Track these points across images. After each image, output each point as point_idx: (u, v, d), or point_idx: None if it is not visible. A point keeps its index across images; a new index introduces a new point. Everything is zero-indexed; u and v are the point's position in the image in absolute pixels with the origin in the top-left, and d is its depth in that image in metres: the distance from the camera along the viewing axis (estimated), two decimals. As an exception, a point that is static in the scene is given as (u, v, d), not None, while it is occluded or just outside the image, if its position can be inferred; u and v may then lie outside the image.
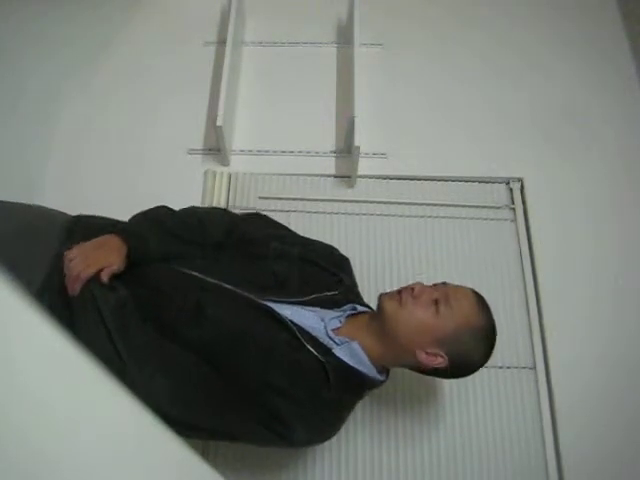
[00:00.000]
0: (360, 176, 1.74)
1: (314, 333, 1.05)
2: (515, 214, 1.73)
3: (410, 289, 1.06)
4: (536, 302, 1.60)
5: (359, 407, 1.45)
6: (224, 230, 1.16)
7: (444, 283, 1.10)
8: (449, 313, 1.03)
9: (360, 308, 1.15)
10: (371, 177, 1.76)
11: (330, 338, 1.07)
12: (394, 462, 1.43)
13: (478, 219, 1.71)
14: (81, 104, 1.84)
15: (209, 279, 1.06)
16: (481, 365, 1.10)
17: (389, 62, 1.97)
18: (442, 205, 1.72)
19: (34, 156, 1.76)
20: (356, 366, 1.06)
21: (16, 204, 1.21)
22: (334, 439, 1.38)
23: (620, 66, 1.98)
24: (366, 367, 1.07)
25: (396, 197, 1.73)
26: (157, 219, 1.10)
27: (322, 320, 1.09)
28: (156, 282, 1.07)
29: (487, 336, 1.08)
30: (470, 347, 1.06)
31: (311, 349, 1.02)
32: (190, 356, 1.01)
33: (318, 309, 1.11)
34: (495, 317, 1.55)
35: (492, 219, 1.72)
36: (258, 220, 1.26)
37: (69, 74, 1.89)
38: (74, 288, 0.99)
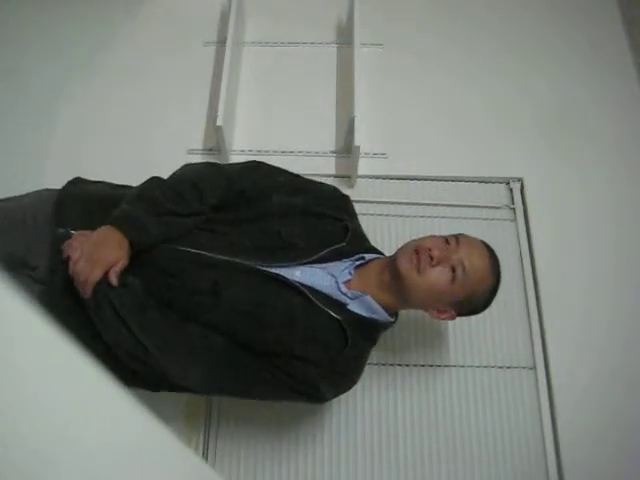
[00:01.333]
0: (360, 176, 1.74)
1: (326, 291, 1.07)
2: (515, 214, 1.73)
3: (428, 255, 1.05)
4: (536, 302, 1.60)
5: (359, 407, 1.46)
6: (221, 193, 1.12)
7: (456, 237, 1.10)
8: (465, 280, 1.06)
9: (368, 256, 1.15)
10: (371, 177, 1.76)
11: (343, 294, 1.09)
12: (394, 462, 1.43)
13: (478, 219, 1.71)
14: (81, 104, 1.84)
15: (218, 256, 1.05)
16: (485, 309, 1.17)
17: (389, 62, 1.97)
18: (442, 205, 1.72)
19: (34, 155, 1.76)
20: (370, 316, 1.10)
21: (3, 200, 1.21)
22: (334, 453, 1.39)
23: (620, 66, 1.98)
24: (380, 315, 1.11)
25: (396, 197, 1.73)
26: (152, 199, 1.06)
27: (333, 276, 1.10)
28: (166, 266, 1.05)
29: (494, 290, 1.13)
30: (478, 301, 1.13)
31: (326, 309, 1.04)
32: (214, 336, 1.02)
33: (327, 264, 1.11)
34: (495, 317, 1.57)
35: (492, 219, 1.72)
36: (255, 171, 1.20)
37: (69, 74, 1.89)
38: (85, 292, 0.98)
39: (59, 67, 1.90)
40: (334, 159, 1.78)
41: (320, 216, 1.15)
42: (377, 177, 1.76)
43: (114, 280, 0.98)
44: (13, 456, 0.27)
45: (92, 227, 1.04)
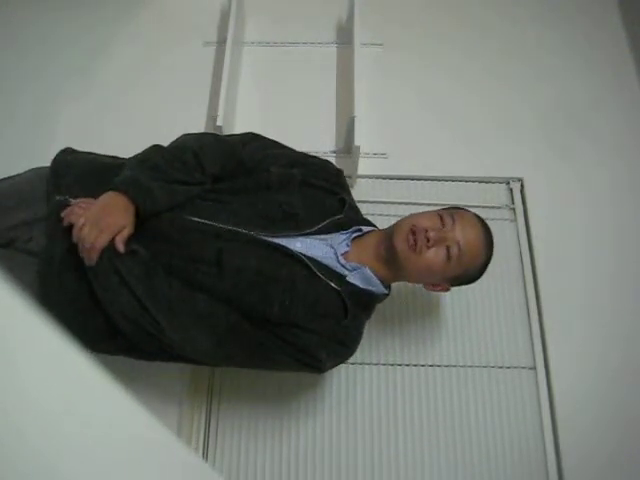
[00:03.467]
0: (360, 176, 1.74)
1: (326, 262, 1.10)
2: (515, 214, 1.73)
3: (424, 235, 1.08)
4: (536, 302, 1.60)
5: (359, 408, 1.46)
6: (221, 162, 1.13)
7: (452, 215, 1.12)
8: (460, 259, 1.10)
9: (365, 228, 1.19)
10: (371, 177, 1.76)
11: (342, 265, 1.11)
12: (394, 461, 1.43)
13: (478, 219, 1.71)
14: (81, 104, 1.84)
15: (222, 225, 1.05)
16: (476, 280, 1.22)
17: (389, 62, 1.97)
18: (442, 205, 1.71)
19: (34, 156, 1.75)
20: (368, 288, 1.13)
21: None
22: (334, 453, 1.39)
23: (620, 66, 1.98)
24: (376, 287, 1.15)
25: (396, 197, 1.73)
26: (156, 166, 1.06)
27: (331, 247, 1.12)
28: (171, 236, 1.05)
29: (487, 263, 1.17)
30: (473, 275, 1.18)
31: (326, 280, 1.07)
32: (219, 305, 1.04)
33: (326, 236, 1.13)
34: (495, 317, 1.57)
35: (492, 219, 1.71)
36: (253, 141, 1.22)
37: (69, 74, 1.89)
38: (91, 258, 0.97)
39: (59, 68, 1.90)
40: (334, 159, 1.78)
41: (317, 188, 1.17)
42: (377, 177, 1.76)
43: (121, 247, 0.97)
44: (13, 456, 0.27)
45: (91, 194, 1.03)
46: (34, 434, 0.28)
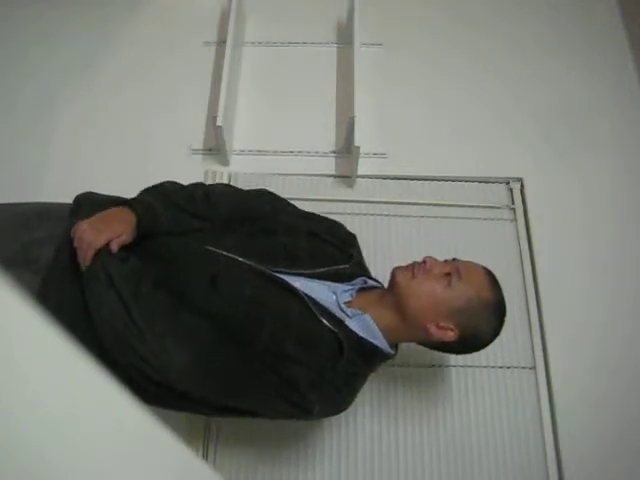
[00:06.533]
0: (360, 176, 1.74)
1: (326, 305, 1.06)
2: (515, 214, 1.73)
3: (422, 263, 1.08)
4: (536, 302, 1.60)
5: (359, 408, 1.46)
6: (231, 206, 1.15)
7: (454, 259, 1.11)
8: (461, 285, 1.05)
9: (370, 282, 1.16)
10: (371, 177, 1.76)
11: (342, 310, 1.08)
12: (394, 461, 1.43)
13: (478, 219, 1.72)
14: (81, 104, 1.84)
15: (222, 252, 1.06)
16: (490, 341, 1.12)
17: (389, 62, 1.97)
18: (442, 205, 1.72)
19: (34, 155, 1.76)
20: (368, 338, 1.07)
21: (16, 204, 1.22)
22: (334, 453, 1.39)
23: (620, 66, 1.98)
24: (378, 339, 1.08)
25: (396, 197, 1.73)
26: (165, 192, 1.10)
27: (334, 293, 1.10)
28: (168, 254, 1.07)
29: (498, 310, 1.09)
30: (481, 321, 1.08)
31: (324, 321, 1.03)
32: (205, 326, 1.00)
33: (329, 282, 1.11)
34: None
35: (492, 219, 1.72)
36: (265, 195, 1.24)
37: (70, 74, 1.89)
38: (85, 257, 0.98)
39: (59, 67, 1.90)
40: (334, 159, 1.78)
41: (325, 241, 1.16)
42: (377, 177, 1.76)
43: (114, 247, 1.00)
44: (13, 455, 0.27)
45: None
46: (34, 434, 0.28)
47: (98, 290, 0.99)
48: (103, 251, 0.99)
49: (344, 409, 1.10)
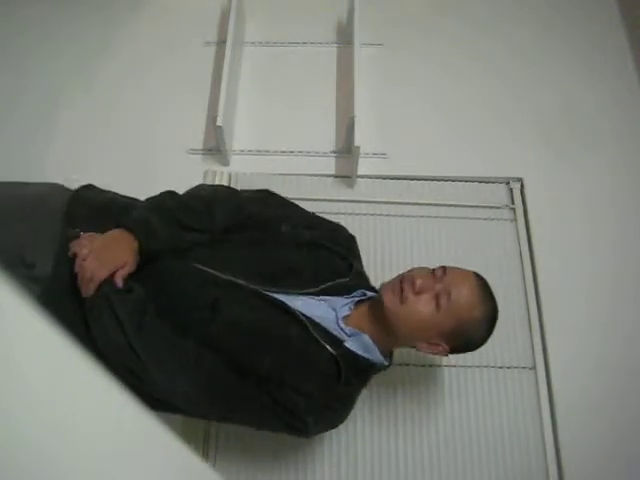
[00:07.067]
0: (360, 176, 1.74)
1: (325, 324, 1.06)
2: (515, 214, 1.73)
3: (412, 284, 1.04)
4: (536, 302, 1.60)
5: (358, 410, 1.46)
6: (232, 215, 1.13)
7: (444, 268, 1.07)
8: (450, 308, 1.03)
9: (369, 294, 1.15)
10: (371, 177, 1.76)
11: (341, 329, 1.08)
12: (394, 462, 1.43)
13: (478, 219, 1.71)
14: (81, 104, 1.84)
15: (222, 276, 1.05)
16: (481, 346, 1.12)
17: (389, 62, 1.97)
18: (442, 205, 1.72)
19: (35, 155, 1.76)
20: (366, 356, 1.08)
21: (9, 184, 1.19)
22: (334, 453, 1.39)
23: (620, 66, 1.98)
24: (374, 356, 1.10)
25: (396, 197, 1.73)
26: (164, 209, 1.07)
27: (333, 310, 1.10)
28: (170, 279, 1.06)
29: (488, 323, 1.09)
30: (471, 335, 1.08)
31: (323, 342, 1.03)
32: (207, 355, 1.01)
33: (329, 297, 1.11)
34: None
35: (492, 219, 1.72)
36: (267, 199, 1.22)
37: (70, 74, 1.89)
38: (88, 289, 0.98)
39: (59, 68, 1.90)
40: (334, 159, 1.78)
41: (327, 249, 1.15)
42: (377, 177, 1.76)
43: (119, 282, 0.98)
44: (13, 455, 0.27)
45: (100, 232, 1.05)
46: (35, 434, 0.28)
47: (101, 321, 0.99)
48: (106, 283, 0.98)
49: (340, 423, 1.12)
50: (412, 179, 1.77)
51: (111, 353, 0.99)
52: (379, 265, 1.63)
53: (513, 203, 1.74)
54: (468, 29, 2.02)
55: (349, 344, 1.07)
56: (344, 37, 2.00)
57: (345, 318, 1.10)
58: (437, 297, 1.03)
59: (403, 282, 1.05)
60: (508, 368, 1.53)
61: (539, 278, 1.62)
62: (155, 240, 1.04)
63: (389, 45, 2.00)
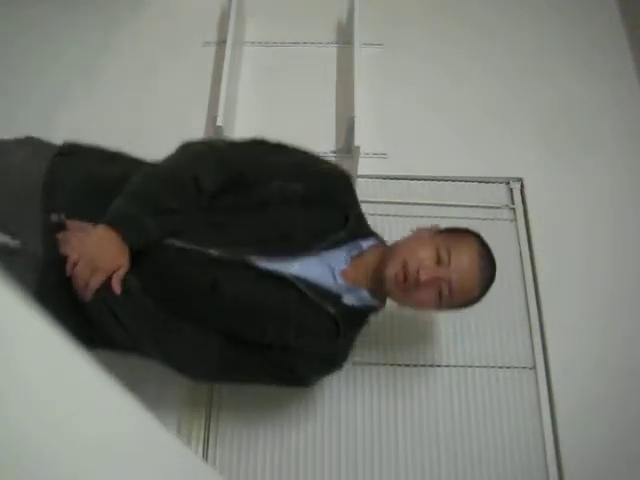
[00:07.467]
0: (360, 176, 1.74)
1: (322, 282, 1.09)
2: (515, 214, 1.73)
3: (415, 277, 1.04)
4: (536, 302, 1.60)
5: (358, 409, 1.46)
6: (220, 179, 1.09)
7: (451, 251, 1.07)
8: (451, 298, 1.08)
9: (365, 245, 1.15)
10: (371, 177, 1.76)
11: (339, 285, 1.11)
12: (394, 461, 1.43)
13: (478, 219, 1.71)
14: (82, 104, 1.84)
15: (217, 253, 1.04)
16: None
17: (389, 62, 1.97)
18: (442, 205, 1.72)
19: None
20: (363, 306, 1.14)
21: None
22: (334, 453, 1.39)
23: (620, 66, 1.98)
24: (372, 303, 1.15)
25: (396, 197, 1.73)
26: (150, 196, 1.04)
27: (329, 267, 1.11)
28: (165, 264, 1.05)
29: (486, 290, 1.14)
30: (467, 305, 1.16)
31: (321, 303, 1.07)
32: (210, 335, 1.06)
33: (326, 253, 1.11)
34: (495, 317, 1.57)
35: (492, 219, 1.72)
36: (256, 151, 1.16)
37: (71, 74, 1.89)
38: (85, 296, 0.98)
39: (59, 68, 1.90)
40: (334, 159, 1.78)
41: (320, 203, 1.12)
42: (377, 177, 1.76)
43: (117, 289, 0.98)
44: (13, 455, 0.27)
45: (84, 212, 1.03)
46: (35, 435, 0.28)
47: (102, 321, 1.01)
48: (103, 288, 0.97)
49: (340, 369, 1.19)
50: (412, 179, 1.76)
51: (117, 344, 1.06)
52: (379, 265, 1.63)
53: (513, 203, 1.74)
54: (468, 29, 2.02)
55: (347, 299, 1.11)
56: (344, 37, 2.00)
57: (342, 272, 1.11)
58: (440, 287, 1.06)
59: (407, 267, 1.05)
60: (508, 368, 1.53)
61: (539, 278, 1.62)
62: (144, 235, 1.02)
63: (389, 45, 2.00)
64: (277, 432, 1.44)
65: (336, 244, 1.12)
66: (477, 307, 1.57)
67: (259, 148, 1.17)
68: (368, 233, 1.19)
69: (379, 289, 1.13)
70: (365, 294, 1.12)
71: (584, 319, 1.58)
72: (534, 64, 1.96)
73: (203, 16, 2.03)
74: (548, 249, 1.66)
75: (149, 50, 1.96)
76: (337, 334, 1.09)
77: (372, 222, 1.67)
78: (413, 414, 1.47)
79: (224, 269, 1.04)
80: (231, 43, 1.78)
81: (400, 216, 1.71)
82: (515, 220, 1.72)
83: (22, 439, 0.28)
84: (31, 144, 1.18)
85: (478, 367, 1.52)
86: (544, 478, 1.43)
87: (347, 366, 1.48)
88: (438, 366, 1.52)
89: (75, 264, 0.96)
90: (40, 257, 1.06)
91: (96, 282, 0.96)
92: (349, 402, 1.47)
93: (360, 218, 1.21)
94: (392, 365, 1.51)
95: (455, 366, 1.52)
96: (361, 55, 1.80)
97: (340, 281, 1.10)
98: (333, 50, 2.00)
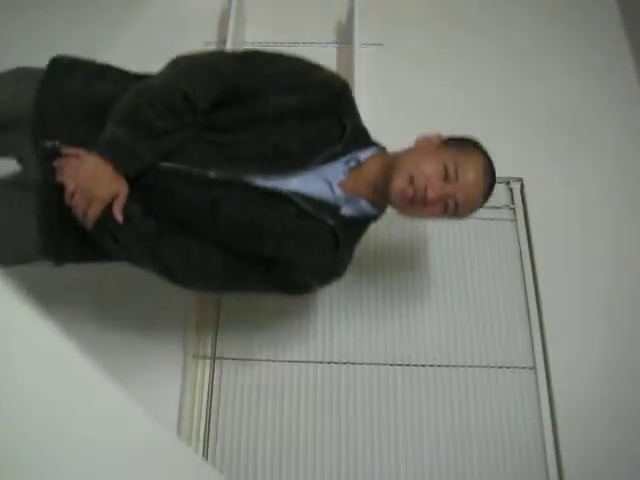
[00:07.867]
0: (360, 176, 1.74)
1: (321, 195, 1.09)
2: (515, 214, 1.73)
3: (423, 194, 1.04)
4: (536, 302, 1.60)
5: (359, 408, 1.46)
6: (214, 96, 1.06)
7: (458, 168, 1.06)
8: (456, 211, 1.09)
9: (363, 157, 1.13)
10: (371, 177, 1.76)
11: (337, 197, 1.10)
12: (394, 461, 1.43)
13: (478, 219, 1.71)
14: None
15: (215, 173, 1.04)
16: None
17: (389, 62, 1.97)
18: (442, 205, 1.72)
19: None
20: (362, 216, 1.14)
21: None
22: (334, 453, 1.39)
23: (619, 67, 1.98)
24: (371, 214, 1.15)
25: (396, 197, 1.73)
26: (143, 120, 1.01)
27: (327, 181, 1.10)
28: (163, 188, 1.05)
29: (484, 203, 1.15)
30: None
31: (320, 217, 1.08)
32: (213, 252, 1.08)
33: (324, 166, 1.09)
34: (495, 318, 1.58)
35: (492, 219, 1.72)
36: (251, 65, 1.12)
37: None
38: (86, 225, 1.01)
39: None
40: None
41: (317, 115, 1.10)
42: (377, 177, 1.76)
43: (119, 217, 1.00)
44: (13, 455, 0.27)
45: (78, 135, 1.05)
46: (35, 435, 0.28)
47: (108, 247, 1.05)
48: (104, 216, 0.99)
49: (340, 278, 1.18)
50: (412, 179, 1.76)
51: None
52: (378, 265, 1.63)
53: (513, 203, 1.74)
54: (467, 30, 2.02)
55: (345, 210, 1.11)
56: (344, 37, 2.00)
57: (340, 183, 1.11)
58: (446, 202, 1.06)
59: (415, 183, 1.04)
60: (508, 368, 1.53)
61: (539, 278, 1.62)
62: (138, 162, 1.01)
63: (389, 45, 2.00)
64: (277, 432, 1.44)
65: (333, 157, 1.10)
66: (478, 307, 1.59)
67: (254, 59, 1.13)
68: (368, 143, 1.17)
69: (380, 199, 1.12)
70: (364, 204, 1.12)
71: (584, 319, 1.58)
72: (534, 64, 1.96)
73: (203, 16, 2.03)
74: (548, 249, 1.66)
75: (149, 50, 1.96)
76: (336, 245, 1.10)
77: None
78: (413, 414, 1.47)
79: (223, 190, 1.05)
80: (231, 43, 1.78)
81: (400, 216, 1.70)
82: (515, 220, 1.72)
83: (22, 439, 0.28)
84: (20, 71, 1.23)
85: (478, 367, 1.52)
86: (544, 478, 1.43)
87: (347, 366, 1.50)
88: (438, 366, 1.52)
89: (73, 194, 0.98)
90: (40, 182, 1.08)
91: (93, 214, 0.99)
92: (349, 402, 1.47)
93: (359, 128, 1.18)
94: (392, 365, 1.51)
95: (455, 366, 1.52)
96: (361, 55, 1.80)
97: (338, 192, 1.10)
98: (333, 50, 2.00)
